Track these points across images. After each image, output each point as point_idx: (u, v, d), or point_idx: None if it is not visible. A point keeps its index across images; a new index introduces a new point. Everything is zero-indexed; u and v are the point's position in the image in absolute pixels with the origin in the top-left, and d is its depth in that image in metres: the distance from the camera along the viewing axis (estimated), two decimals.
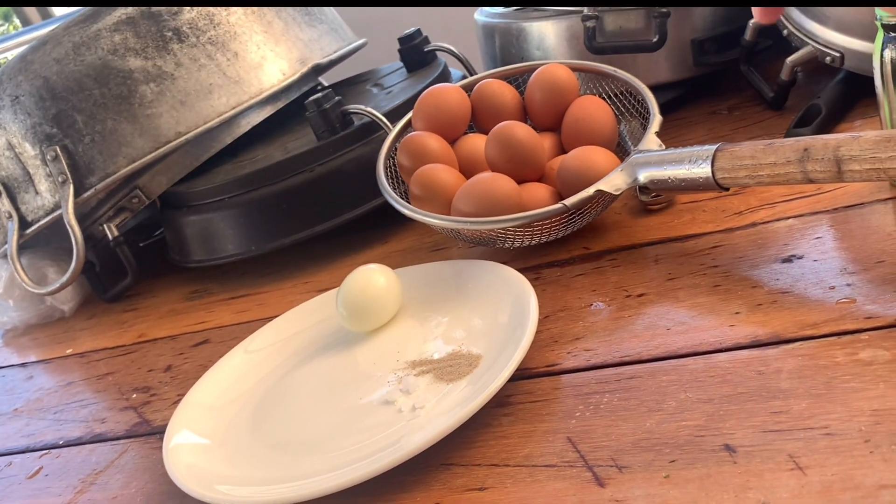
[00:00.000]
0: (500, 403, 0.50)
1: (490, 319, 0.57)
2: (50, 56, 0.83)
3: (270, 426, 0.55)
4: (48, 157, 0.83)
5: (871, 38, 0.66)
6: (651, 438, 0.43)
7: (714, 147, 0.55)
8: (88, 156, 0.83)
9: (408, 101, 0.82)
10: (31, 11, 2.87)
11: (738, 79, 0.80)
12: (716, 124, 0.77)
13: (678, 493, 0.39)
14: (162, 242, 0.94)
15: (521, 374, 0.52)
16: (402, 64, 0.95)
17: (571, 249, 0.65)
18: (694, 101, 0.82)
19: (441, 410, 0.50)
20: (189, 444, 0.55)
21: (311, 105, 0.78)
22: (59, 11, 2.81)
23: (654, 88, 0.73)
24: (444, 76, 0.89)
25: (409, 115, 0.74)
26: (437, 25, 1.09)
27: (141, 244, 0.97)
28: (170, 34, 0.84)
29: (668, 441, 0.42)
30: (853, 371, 0.42)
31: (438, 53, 0.93)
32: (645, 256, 0.60)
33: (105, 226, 0.86)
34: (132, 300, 0.90)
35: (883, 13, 0.51)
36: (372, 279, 0.62)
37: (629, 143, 0.72)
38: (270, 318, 0.68)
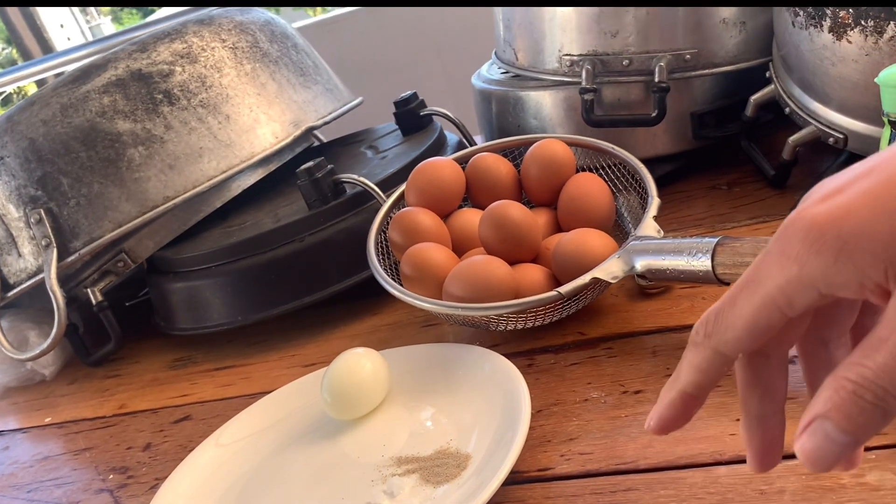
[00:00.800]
0: None
1: (479, 413, 0.55)
2: (37, 117, 0.81)
3: None
4: (32, 219, 0.81)
5: (875, 121, 0.64)
6: None
7: (714, 240, 0.53)
8: (73, 219, 0.81)
9: (402, 168, 0.80)
10: (32, 43, 2.87)
11: (737, 152, 0.79)
12: (715, 201, 0.75)
13: None
14: (148, 303, 0.92)
15: (512, 479, 0.49)
16: (397, 126, 0.94)
17: (566, 334, 0.63)
18: (693, 174, 0.80)
19: None
20: None
21: (302, 174, 0.76)
22: (59, 45, 2.82)
23: (653, 160, 0.72)
24: (440, 141, 0.88)
25: (402, 187, 0.72)
26: (433, 87, 1.08)
27: (127, 304, 0.95)
28: (160, 97, 0.82)
29: None
30: (860, 496, 0.40)
31: (434, 118, 0.91)
32: (642, 347, 0.58)
33: (89, 290, 0.83)
34: (115, 365, 0.87)
35: (890, 110, 0.50)
36: (358, 365, 0.60)
37: (627, 218, 0.70)
38: (253, 396, 0.66)
